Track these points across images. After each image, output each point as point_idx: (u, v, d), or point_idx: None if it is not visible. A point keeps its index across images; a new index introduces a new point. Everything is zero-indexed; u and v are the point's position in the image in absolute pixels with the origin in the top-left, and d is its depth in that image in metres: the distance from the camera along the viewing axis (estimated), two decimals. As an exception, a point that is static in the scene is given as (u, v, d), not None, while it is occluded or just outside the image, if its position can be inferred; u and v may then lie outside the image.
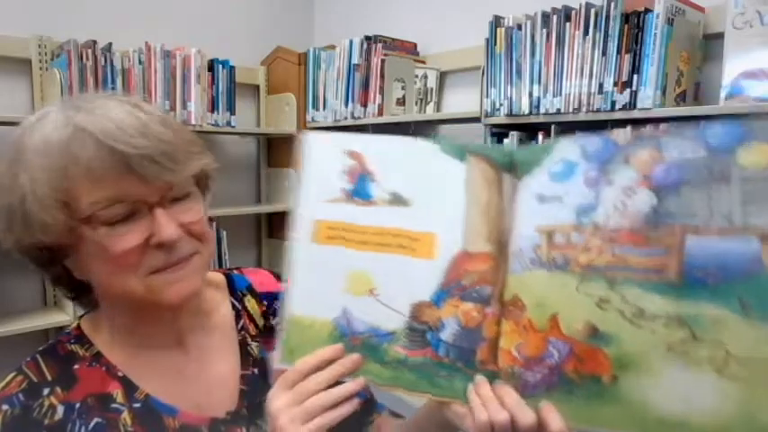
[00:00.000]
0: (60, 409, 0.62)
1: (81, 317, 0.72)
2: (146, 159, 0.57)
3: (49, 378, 0.64)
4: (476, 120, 1.84)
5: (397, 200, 0.54)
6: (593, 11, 1.52)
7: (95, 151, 0.56)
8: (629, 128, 0.52)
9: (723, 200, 0.47)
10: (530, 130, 1.72)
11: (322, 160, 0.57)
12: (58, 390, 0.63)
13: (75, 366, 0.65)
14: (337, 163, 0.56)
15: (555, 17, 1.60)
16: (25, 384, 0.63)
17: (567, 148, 0.52)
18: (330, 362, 0.57)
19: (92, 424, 0.63)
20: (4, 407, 0.61)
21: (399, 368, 0.56)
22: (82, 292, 0.68)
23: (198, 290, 0.66)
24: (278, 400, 0.57)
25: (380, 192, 0.55)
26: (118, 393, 0.65)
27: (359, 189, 0.55)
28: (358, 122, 2.23)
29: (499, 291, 0.53)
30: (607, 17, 1.49)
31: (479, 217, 0.52)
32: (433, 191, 0.54)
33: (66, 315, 1.98)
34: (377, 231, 0.55)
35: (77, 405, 0.63)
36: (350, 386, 0.57)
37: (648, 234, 0.48)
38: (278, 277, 0.85)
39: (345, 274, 0.57)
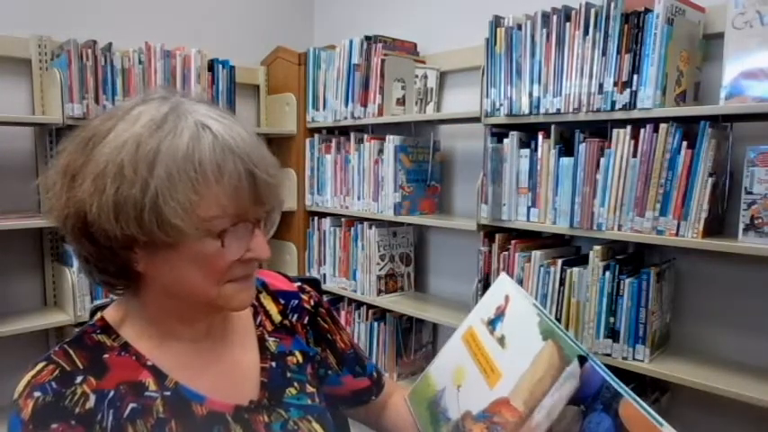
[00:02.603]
0: (92, 398, 0.64)
1: (97, 309, 0.75)
2: (269, 185, 0.64)
3: (81, 366, 0.66)
4: (476, 120, 1.84)
5: (501, 341, 0.75)
6: (593, 11, 1.52)
7: (240, 173, 0.61)
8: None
9: None
10: (530, 130, 1.72)
11: (494, 295, 0.80)
12: (91, 378, 0.65)
13: (105, 356, 0.68)
14: (500, 299, 0.78)
15: (555, 17, 1.60)
16: (58, 372, 0.64)
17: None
18: None
19: (127, 410, 0.65)
20: (37, 394, 0.62)
21: None
22: (125, 281, 0.69)
23: None
24: None
25: (500, 329, 0.76)
26: (149, 382, 0.68)
27: (494, 321, 0.77)
28: (358, 122, 2.23)
29: None
30: (607, 17, 1.49)
31: (529, 385, 0.67)
32: (517, 350, 0.72)
33: (66, 315, 1.98)
34: (483, 351, 0.77)
35: (110, 394, 0.65)
36: None
37: None
38: (287, 278, 0.91)
39: (458, 365, 0.80)
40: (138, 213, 0.59)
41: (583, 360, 0.62)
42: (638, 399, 0.57)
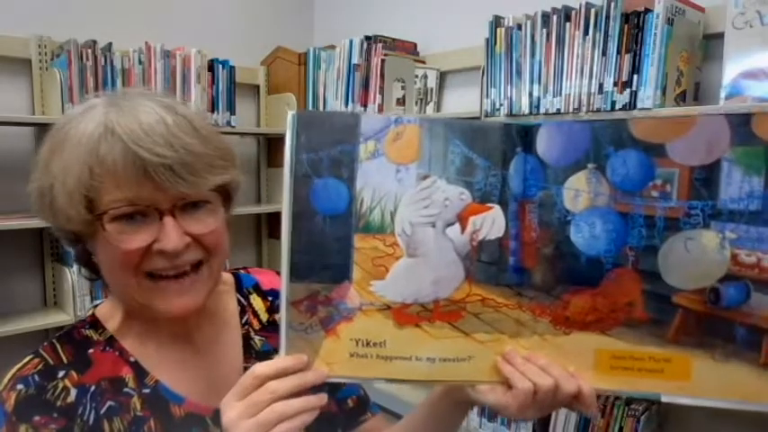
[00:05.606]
0: (73, 393, 0.64)
1: (95, 306, 0.75)
2: (165, 168, 0.58)
3: (65, 361, 0.66)
4: (476, 120, 1.84)
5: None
6: (593, 11, 1.52)
7: (121, 155, 0.58)
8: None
9: None
10: (530, 130, 1.72)
11: None
12: (73, 373, 0.65)
13: (90, 350, 0.68)
14: None
15: (555, 17, 1.60)
16: (41, 366, 0.65)
17: None
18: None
19: (104, 407, 0.65)
20: (19, 386, 0.63)
21: None
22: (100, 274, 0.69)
23: (202, 303, 0.66)
24: (231, 411, 0.54)
25: None
26: (129, 378, 0.68)
27: None
28: (358, 122, 2.23)
29: None
30: (607, 17, 1.49)
31: None
32: None
33: (66, 315, 1.98)
34: None
35: (92, 388, 0.65)
36: (312, 400, 0.55)
37: None
38: None
39: None
40: (45, 205, 0.61)
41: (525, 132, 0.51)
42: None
